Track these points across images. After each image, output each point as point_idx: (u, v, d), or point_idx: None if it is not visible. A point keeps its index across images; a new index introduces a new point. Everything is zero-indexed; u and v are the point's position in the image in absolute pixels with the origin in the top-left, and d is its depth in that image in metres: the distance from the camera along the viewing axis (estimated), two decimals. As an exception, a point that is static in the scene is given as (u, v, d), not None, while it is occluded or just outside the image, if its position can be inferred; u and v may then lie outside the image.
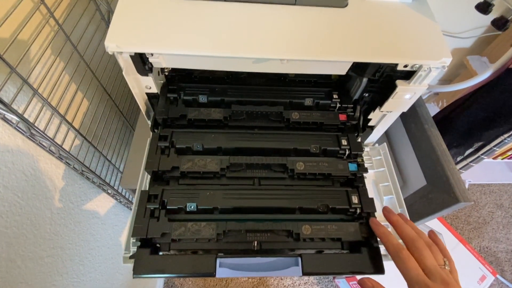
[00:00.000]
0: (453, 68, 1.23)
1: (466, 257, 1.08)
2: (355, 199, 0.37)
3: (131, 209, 0.79)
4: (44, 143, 0.45)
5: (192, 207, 0.35)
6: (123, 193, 0.71)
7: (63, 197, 0.53)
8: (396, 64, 0.36)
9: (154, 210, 0.35)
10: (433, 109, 1.20)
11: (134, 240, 0.38)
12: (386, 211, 0.35)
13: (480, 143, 0.66)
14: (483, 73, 0.49)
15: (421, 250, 0.29)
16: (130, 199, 0.75)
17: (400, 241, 0.32)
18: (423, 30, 0.38)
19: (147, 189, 0.44)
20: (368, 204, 0.36)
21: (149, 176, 0.44)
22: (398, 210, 0.45)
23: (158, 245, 0.35)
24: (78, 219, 0.58)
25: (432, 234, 0.34)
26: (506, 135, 0.62)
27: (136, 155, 0.63)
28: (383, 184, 0.48)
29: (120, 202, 0.71)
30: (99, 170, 0.60)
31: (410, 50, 0.36)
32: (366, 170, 0.39)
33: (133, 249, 0.39)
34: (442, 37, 0.37)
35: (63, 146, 0.48)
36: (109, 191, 0.65)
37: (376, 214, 0.37)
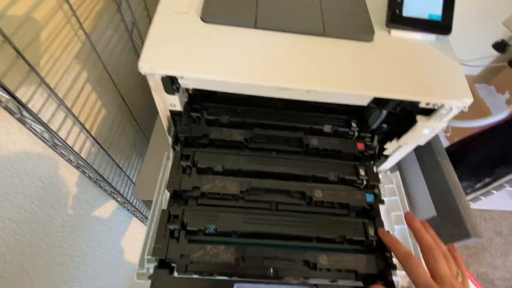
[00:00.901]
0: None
1: (465, 283, 1.08)
2: (371, 231, 0.37)
3: (136, 216, 0.79)
4: (63, 152, 0.45)
5: (212, 229, 0.35)
6: (132, 201, 0.71)
7: (75, 204, 0.53)
8: (419, 101, 0.37)
9: (174, 230, 0.35)
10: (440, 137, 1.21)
11: (150, 257, 0.38)
12: (408, 216, 0.36)
13: (491, 178, 0.67)
14: (500, 114, 0.51)
15: (437, 259, 0.30)
16: (138, 207, 0.75)
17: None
18: (446, 69, 0.39)
19: (163, 205, 0.44)
20: (384, 236, 0.37)
21: (165, 191, 0.45)
22: (409, 240, 0.45)
23: (173, 264, 0.35)
24: (87, 226, 0.58)
25: (451, 247, 0.34)
26: (518, 173, 0.63)
27: (149, 167, 0.63)
28: (395, 213, 0.48)
29: (128, 209, 0.71)
30: (111, 178, 0.60)
31: (433, 88, 0.37)
32: (382, 202, 0.40)
33: (147, 266, 0.39)
34: (464, 78, 0.38)
35: (81, 155, 0.48)
36: (119, 199, 0.65)
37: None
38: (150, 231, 0.42)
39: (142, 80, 0.67)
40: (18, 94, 0.35)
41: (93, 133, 0.53)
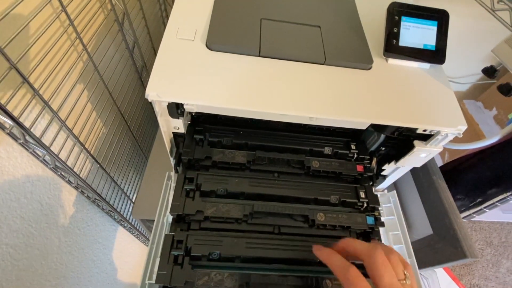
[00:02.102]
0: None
1: (459, 296, 1.09)
2: (372, 254, 0.38)
3: (133, 234, 0.77)
4: (64, 174, 0.45)
5: (216, 255, 0.36)
6: (129, 219, 0.70)
7: (71, 224, 0.52)
8: (416, 128, 0.39)
9: (178, 256, 0.35)
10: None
11: (152, 282, 0.38)
12: (317, 249, 0.32)
13: (483, 198, 0.69)
14: (492, 138, 0.53)
15: (378, 265, 0.26)
16: (135, 224, 0.74)
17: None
18: (441, 96, 0.40)
19: (164, 227, 0.44)
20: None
21: (167, 213, 0.45)
22: (407, 260, 0.46)
23: (176, 290, 0.35)
24: (82, 246, 0.57)
25: (389, 249, 0.29)
26: (509, 193, 0.66)
27: (149, 185, 0.63)
28: (393, 232, 0.49)
29: (124, 227, 0.70)
30: (109, 197, 0.60)
31: (430, 116, 0.38)
32: (382, 225, 0.41)
33: (149, 291, 0.38)
34: (458, 105, 0.40)
35: (80, 175, 0.48)
36: (116, 217, 0.64)
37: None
38: (152, 254, 0.42)
39: (142, 99, 0.68)
40: (21, 118, 0.35)
41: (92, 151, 0.52)
